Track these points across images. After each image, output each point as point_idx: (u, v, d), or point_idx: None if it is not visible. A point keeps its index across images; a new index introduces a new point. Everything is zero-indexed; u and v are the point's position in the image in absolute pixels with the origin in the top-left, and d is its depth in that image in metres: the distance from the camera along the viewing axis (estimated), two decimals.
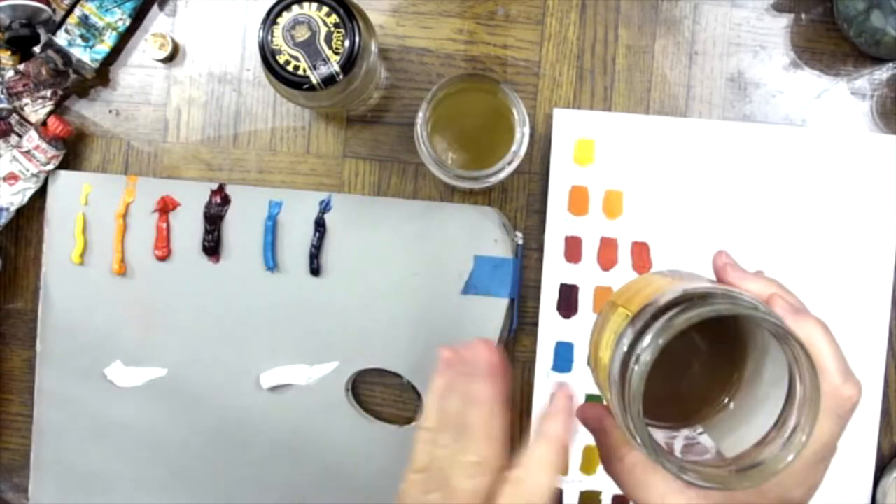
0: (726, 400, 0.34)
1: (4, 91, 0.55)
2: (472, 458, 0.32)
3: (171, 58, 0.57)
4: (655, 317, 0.29)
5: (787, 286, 0.34)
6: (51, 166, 0.55)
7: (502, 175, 0.49)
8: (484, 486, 0.32)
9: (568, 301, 0.55)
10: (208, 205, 0.55)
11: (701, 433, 0.34)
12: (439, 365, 0.36)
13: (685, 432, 0.34)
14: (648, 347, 0.29)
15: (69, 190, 0.56)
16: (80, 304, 0.56)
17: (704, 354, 0.35)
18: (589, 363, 0.36)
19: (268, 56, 0.46)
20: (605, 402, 0.35)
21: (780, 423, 0.30)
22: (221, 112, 0.57)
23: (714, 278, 0.36)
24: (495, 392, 0.35)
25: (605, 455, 0.35)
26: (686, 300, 0.30)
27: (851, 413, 0.32)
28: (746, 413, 0.32)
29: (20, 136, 0.55)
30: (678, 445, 0.33)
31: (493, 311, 0.54)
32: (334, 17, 0.46)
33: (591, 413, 0.35)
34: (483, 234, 0.54)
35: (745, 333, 0.34)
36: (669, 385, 0.29)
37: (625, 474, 0.33)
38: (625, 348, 0.30)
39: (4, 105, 0.55)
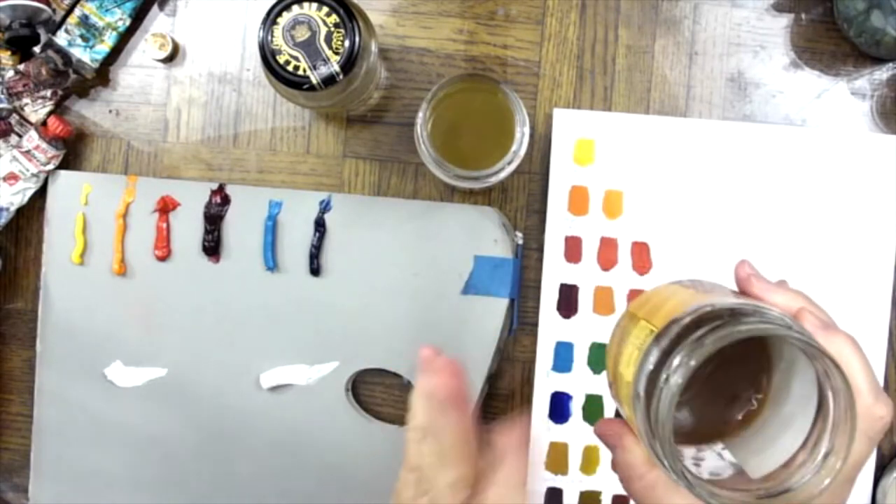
0: (748, 415, 0.33)
1: (4, 91, 0.55)
2: (452, 477, 0.34)
3: (171, 58, 0.57)
4: (682, 335, 0.28)
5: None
6: (51, 166, 0.55)
7: (502, 175, 0.49)
8: (465, 499, 0.34)
9: (568, 301, 0.55)
10: (208, 205, 0.55)
11: (721, 448, 0.32)
12: (421, 365, 0.38)
13: (698, 447, 0.33)
14: (678, 370, 0.27)
15: (69, 190, 0.56)
16: (80, 304, 0.56)
17: (723, 366, 0.33)
18: (607, 377, 0.35)
19: (268, 56, 0.46)
20: (623, 417, 0.34)
21: (809, 443, 0.29)
22: (221, 112, 0.57)
23: (734, 287, 0.35)
24: (463, 417, 0.37)
25: (623, 473, 0.34)
26: (715, 317, 0.28)
27: (882, 433, 0.31)
28: (774, 431, 0.31)
29: (20, 136, 0.55)
30: (688, 456, 0.32)
31: (493, 311, 0.54)
32: (334, 17, 0.46)
33: (610, 430, 0.34)
34: (483, 234, 0.54)
35: (769, 346, 0.33)
36: (687, 398, 0.29)
37: (645, 493, 0.33)
38: (651, 367, 0.29)
39: (4, 105, 0.55)
